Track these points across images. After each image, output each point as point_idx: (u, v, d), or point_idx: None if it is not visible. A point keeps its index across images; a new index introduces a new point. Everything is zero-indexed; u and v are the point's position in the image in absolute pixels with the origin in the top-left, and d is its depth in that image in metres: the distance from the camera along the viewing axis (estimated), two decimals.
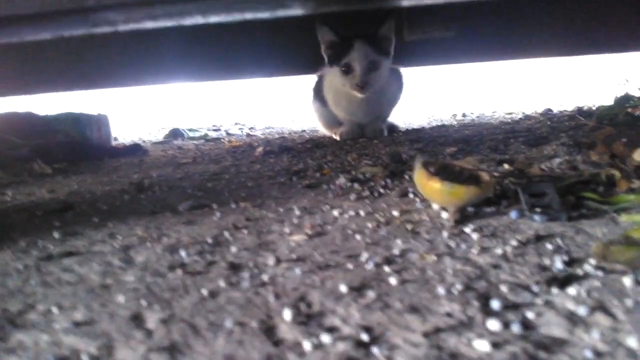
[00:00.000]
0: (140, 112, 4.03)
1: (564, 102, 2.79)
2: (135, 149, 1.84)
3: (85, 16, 1.43)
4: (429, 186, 0.71)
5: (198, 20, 1.68)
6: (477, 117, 2.56)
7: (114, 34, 1.96)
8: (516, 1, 1.99)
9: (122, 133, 2.84)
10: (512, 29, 2.06)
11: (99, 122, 1.97)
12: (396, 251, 0.58)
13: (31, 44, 2.02)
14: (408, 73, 2.00)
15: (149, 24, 1.49)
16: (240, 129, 2.77)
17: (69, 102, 2.71)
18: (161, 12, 1.47)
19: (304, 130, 2.47)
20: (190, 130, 2.61)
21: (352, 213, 0.76)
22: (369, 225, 0.70)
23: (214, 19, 1.59)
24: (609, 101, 1.96)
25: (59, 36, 1.57)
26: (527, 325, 0.39)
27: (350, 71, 1.69)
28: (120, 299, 0.50)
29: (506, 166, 0.97)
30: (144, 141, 2.37)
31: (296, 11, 1.61)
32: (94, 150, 1.79)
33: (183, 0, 1.38)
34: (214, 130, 2.75)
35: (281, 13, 1.68)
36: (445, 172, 0.76)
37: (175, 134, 2.44)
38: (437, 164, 0.77)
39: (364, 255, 0.57)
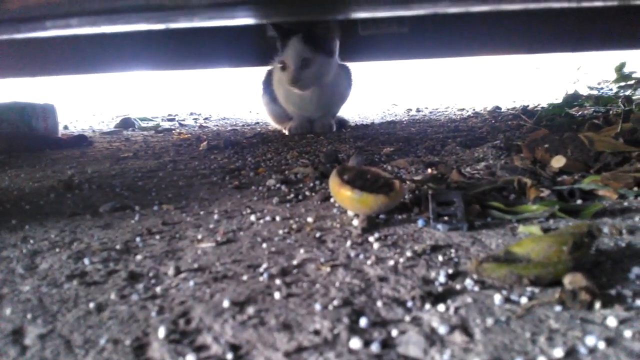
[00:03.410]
0: (97, 100, 3.96)
1: (516, 99, 2.84)
2: (79, 140, 1.81)
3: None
4: (341, 194, 0.73)
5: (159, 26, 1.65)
6: (430, 112, 2.60)
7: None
8: None
9: (75, 122, 2.79)
10: (466, 26, 2.08)
11: (45, 112, 1.92)
12: (296, 261, 0.59)
13: None
14: (367, 68, 2.01)
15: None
16: (195, 119, 2.75)
17: (18, 92, 2.64)
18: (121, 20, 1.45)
19: (258, 122, 2.47)
20: (143, 119, 2.58)
21: (268, 218, 0.78)
22: (280, 232, 0.71)
23: (159, 26, 1.57)
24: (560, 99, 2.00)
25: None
26: (387, 344, 0.41)
27: (285, 68, 1.72)
28: (8, 311, 0.50)
29: (429, 170, 0.99)
30: (94, 130, 2.33)
31: (244, 20, 1.61)
32: (37, 142, 1.76)
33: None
34: (168, 120, 2.72)
35: (229, 22, 1.68)
36: (361, 179, 0.77)
37: (126, 123, 2.40)
38: (353, 171, 0.78)
39: (263, 266, 0.58)
